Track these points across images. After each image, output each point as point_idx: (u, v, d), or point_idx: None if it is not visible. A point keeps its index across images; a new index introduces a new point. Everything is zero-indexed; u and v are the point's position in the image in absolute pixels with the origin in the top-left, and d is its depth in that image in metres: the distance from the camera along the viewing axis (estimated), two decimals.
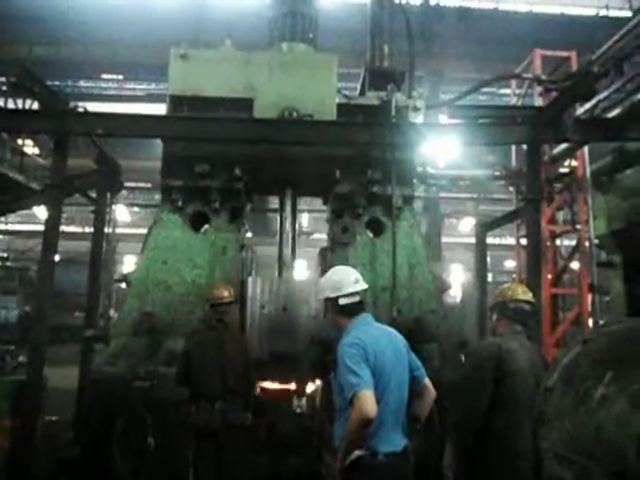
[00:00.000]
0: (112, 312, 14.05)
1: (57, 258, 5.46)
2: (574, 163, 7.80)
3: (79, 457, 4.72)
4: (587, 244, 7.48)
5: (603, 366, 1.58)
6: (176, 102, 5.39)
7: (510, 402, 2.73)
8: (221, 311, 4.30)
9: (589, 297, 7.54)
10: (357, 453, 2.36)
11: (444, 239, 16.63)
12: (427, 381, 2.70)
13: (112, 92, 16.72)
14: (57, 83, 14.64)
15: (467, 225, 20.11)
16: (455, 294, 15.49)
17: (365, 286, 2.77)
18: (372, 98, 5.62)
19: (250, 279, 5.19)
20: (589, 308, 7.54)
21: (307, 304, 5.02)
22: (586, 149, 7.43)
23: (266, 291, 5.05)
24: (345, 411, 2.41)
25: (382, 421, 2.41)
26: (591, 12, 15.61)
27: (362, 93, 6.00)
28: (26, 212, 15.34)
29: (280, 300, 5.02)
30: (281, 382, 4.96)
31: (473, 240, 9.22)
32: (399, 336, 2.73)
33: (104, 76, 16.51)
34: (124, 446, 4.43)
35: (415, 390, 2.65)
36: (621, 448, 1.39)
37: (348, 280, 2.71)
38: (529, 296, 3.09)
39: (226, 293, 4.35)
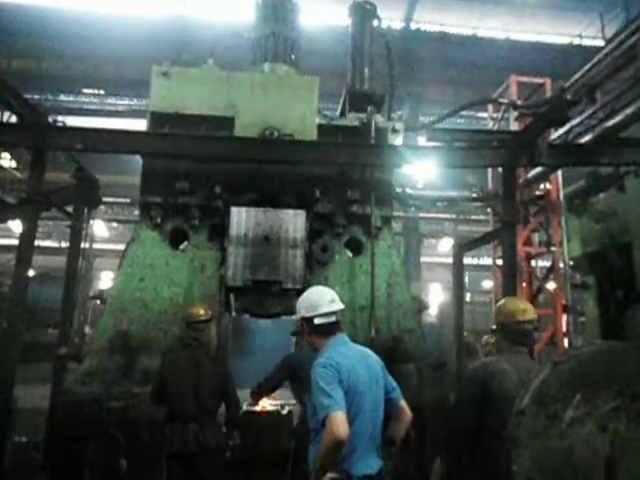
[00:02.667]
0: (87, 329, 13.79)
1: (32, 273, 5.35)
2: (548, 186, 7.98)
3: None
4: (561, 265, 7.62)
5: (572, 388, 1.61)
6: (157, 119, 5.37)
7: (498, 422, 2.75)
8: (197, 329, 4.24)
9: (563, 317, 7.67)
10: (330, 476, 2.32)
11: (423, 259, 16.77)
12: (403, 403, 2.69)
13: (93, 107, 16.58)
14: (36, 96, 14.47)
15: (446, 245, 20.31)
16: (433, 313, 15.60)
17: (341, 306, 2.76)
18: (352, 119, 5.69)
19: (234, 209, 5.23)
20: (564, 328, 7.66)
21: (288, 234, 5.16)
22: (560, 173, 7.62)
23: (250, 221, 5.16)
24: (319, 433, 2.39)
25: (356, 443, 2.40)
26: (565, 40, 16.11)
27: (342, 114, 6.07)
28: (1, 226, 15.05)
29: (262, 230, 5.14)
30: (261, 312, 5.15)
31: (452, 260, 9.31)
32: (375, 357, 2.72)
33: (85, 90, 16.39)
34: (96, 469, 4.31)
35: (391, 412, 2.64)
36: (590, 470, 1.41)
37: (324, 300, 2.71)
38: (530, 315, 3.04)
39: (202, 311, 4.29)
